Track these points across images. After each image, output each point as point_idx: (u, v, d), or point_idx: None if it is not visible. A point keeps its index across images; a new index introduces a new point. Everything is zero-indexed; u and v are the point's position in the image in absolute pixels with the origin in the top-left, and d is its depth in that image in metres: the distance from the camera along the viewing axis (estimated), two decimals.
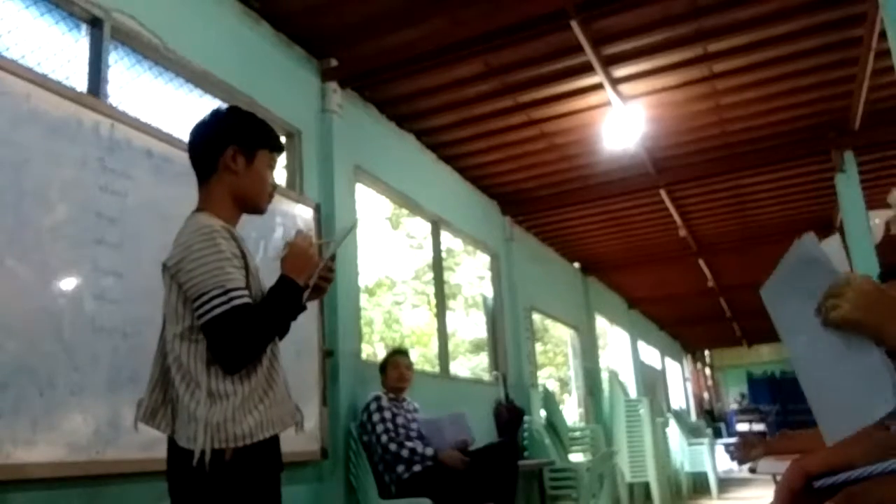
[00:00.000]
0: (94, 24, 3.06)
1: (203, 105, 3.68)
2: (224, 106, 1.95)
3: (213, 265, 1.61)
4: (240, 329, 1.59)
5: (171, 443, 1.67)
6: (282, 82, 4.23)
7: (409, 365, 4.31)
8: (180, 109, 3.58)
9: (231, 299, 1.59)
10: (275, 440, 1.70)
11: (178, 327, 1.65)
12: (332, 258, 1.90)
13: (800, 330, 1.02)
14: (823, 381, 1.00)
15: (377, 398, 4.04)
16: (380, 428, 3.93)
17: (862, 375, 0.92)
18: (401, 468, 3.90)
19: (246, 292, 1.63)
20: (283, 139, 4.28)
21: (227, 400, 1.59)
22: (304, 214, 4.05)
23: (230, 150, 1.77)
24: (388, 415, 3.98)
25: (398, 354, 4.39)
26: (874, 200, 6.19)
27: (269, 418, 1.65)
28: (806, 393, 1.03)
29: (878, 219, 5.90)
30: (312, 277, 1.81)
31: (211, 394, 1.59)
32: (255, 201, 1.83)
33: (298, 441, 3.57)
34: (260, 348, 1.66)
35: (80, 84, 2.97)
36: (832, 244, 1.02)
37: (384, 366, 4.29)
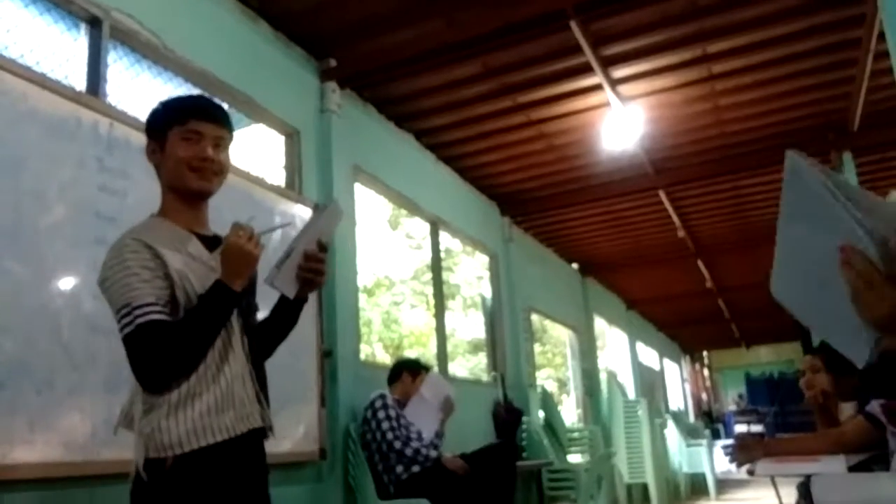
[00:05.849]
0: (93, 23, 3.06)
1: None
2: None
3: (119, 283, 1.54)
4: (147, 348, 1.51)
5: None
6: (281, 82, 4.23)
7: None
8: None
9: (135, 318, 1.50)
10: (235, 446, 1.59)
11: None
12: (324, 248, 1.75)
13: (801, 250, 1.00)
14: (815, 291, 0.99)
15: (383, 396, 4.02)
16: (385, 425, 3.91)
17: (850, 318, 0.90)
18: (400, 468, 3.89)
19: (156, 307, 1.52)
20: (280, 136, 4.30)
21: (158, 409, 1.55)
22: (302, 214, 4.04)
23: (148, 148, 1.72)
24: (393, 413, 3.97)
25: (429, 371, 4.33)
26: None
27: (207, 426, 1.56)
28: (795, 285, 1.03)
29: None
30: (291, 270, 1.69)
31: (145, 402, 1.57)
32: (180, 183, 1.69)
33: (297, 442, 3.59)
34: (177, 363, 1.54)
35: (79, 83, 2.97)
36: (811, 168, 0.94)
37: (411, 373, 4.23)
